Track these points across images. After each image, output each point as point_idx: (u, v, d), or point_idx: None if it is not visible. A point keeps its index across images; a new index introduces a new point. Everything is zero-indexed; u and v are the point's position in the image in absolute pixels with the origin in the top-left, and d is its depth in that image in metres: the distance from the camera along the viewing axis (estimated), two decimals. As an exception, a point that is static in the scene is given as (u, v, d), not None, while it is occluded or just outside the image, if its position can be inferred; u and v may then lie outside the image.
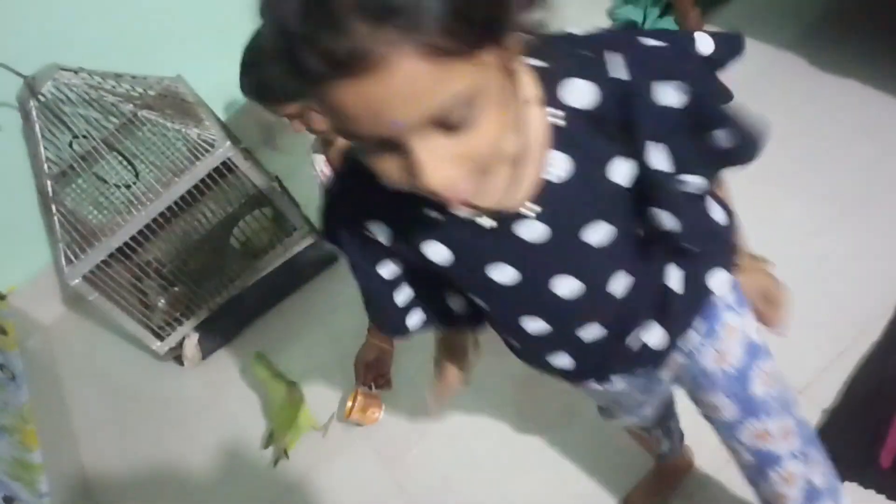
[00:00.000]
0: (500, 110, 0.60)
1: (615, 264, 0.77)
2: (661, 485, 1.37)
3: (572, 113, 0.69)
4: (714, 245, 0.83)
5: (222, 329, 2.19)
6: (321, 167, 1.81)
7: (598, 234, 0.74)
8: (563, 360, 0.86)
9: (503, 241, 0.74)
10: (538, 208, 0.72)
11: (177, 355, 2.18)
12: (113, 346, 2.35)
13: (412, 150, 0.58)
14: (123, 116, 2.03)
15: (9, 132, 2.30)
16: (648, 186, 0.71)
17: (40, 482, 1.92)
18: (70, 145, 2.01)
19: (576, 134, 0.69)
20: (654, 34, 0.70)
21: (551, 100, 0.68)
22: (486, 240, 0.74)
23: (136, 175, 2.07)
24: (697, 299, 0.85)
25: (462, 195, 0.61)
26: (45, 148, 2.01)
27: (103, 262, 1.94)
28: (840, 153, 1.69)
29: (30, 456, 1.98)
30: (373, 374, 1.76)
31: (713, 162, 0.74)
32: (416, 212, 0.73)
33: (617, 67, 0.67)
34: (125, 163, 2.07)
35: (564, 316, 0.80)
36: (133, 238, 1.94)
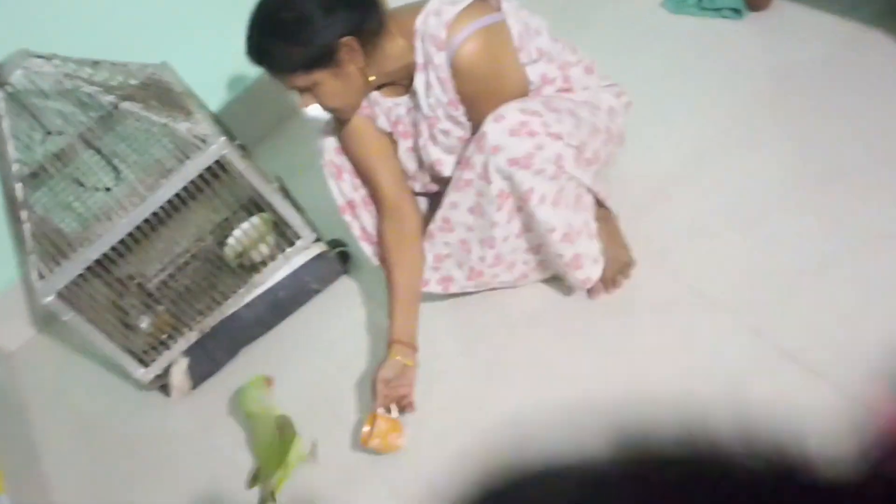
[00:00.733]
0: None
1: None
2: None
3: None
4: None
5: (215, 353, 2.22)
6: (331, 156, 1.90)
7: None
8: None
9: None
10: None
11: (163, 384, 2.21)
12: (89, 374, 2.39)
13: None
14: (102, 109, 2.07)
15: (-30, 128, 2.33)
16: None
17: (6, 530, 1.95)
18: (42, 143, 2.06)
19: None
20: None
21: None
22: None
23: (117, 176, 2.12)
24: None
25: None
26: (14, 146, 2.06)
27: (80, 276, 1.97)
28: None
29: (-6, 501, 2.02)
30: (394, 395, 1.79)
31: None
32: None
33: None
34: (104, 162, 2.12)
35: None
36: (113, 249, 1.96)
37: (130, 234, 1.98)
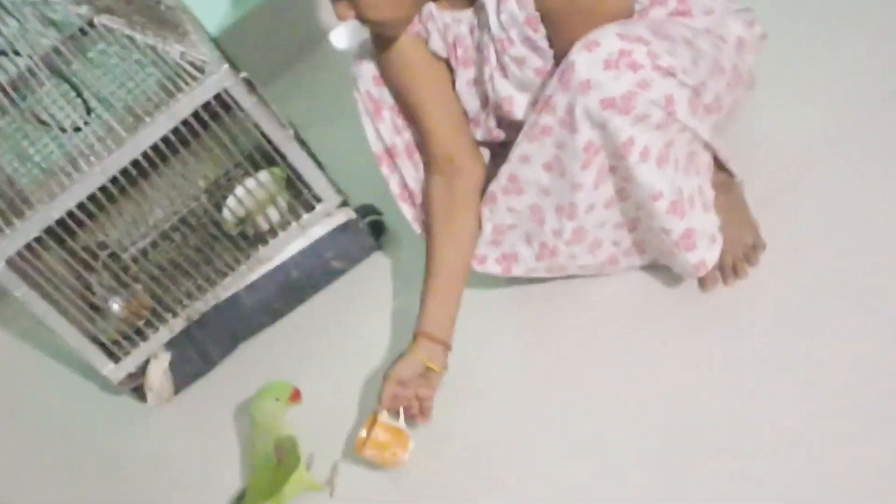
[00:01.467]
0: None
1: None
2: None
3: None
4: None
5: (206, 348, 2.20)
6: (367, 86, 1.87)
7: None
8: None
9: None
10: None
11: (137, 385, 2.17)
12: (44, 369, 2.39)
13: None
14: (72, 26, 2.04)
15: None
16: None
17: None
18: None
19: None
20: None
21: None
22: None
23: (89, 112, 2.07)
24: None
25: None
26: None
27: (36, 241, 1.94)
28: None
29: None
30: (406, 398, 1.77)
31: None
32: None
33: None
34: (72, 95, 2.07)
35: None
36: (80, 208, 1.93)
37: (103, 190, 1.94)
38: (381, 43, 1.84)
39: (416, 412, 1.80)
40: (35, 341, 2.44)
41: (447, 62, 1.83)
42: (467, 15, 1.76)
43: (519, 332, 1.98)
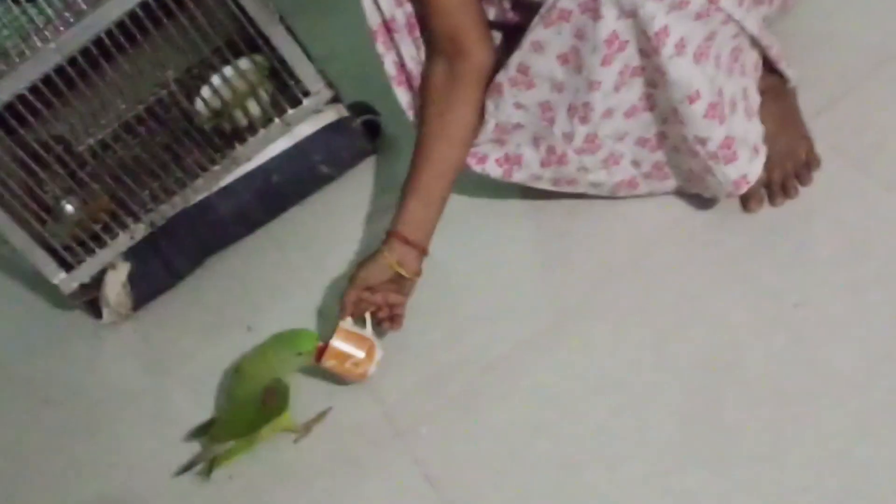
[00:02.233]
0: None
1: None
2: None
3: None
4: None
5: (171, 259, 2.22)
6: None
7: None
8: None
9: None
10: None
11: (92, 298, 2.21)
12: None
13: None
14: None
15: None
16: None
17: None
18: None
19: None
20: None
21: None
22: None
23: None
24: None
25: None
26: None
27: None
28: None
29: None
30: (373, 303, 1.82)
31: None
32: None
33: None
34: None
35: None
36: (34, 92, 1.94)
37: (60, 72, 1.96)
38: None
39: (385, 318, 1.85)
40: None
41: None
42: None
43: (535, 249, 2.00)
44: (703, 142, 1.66)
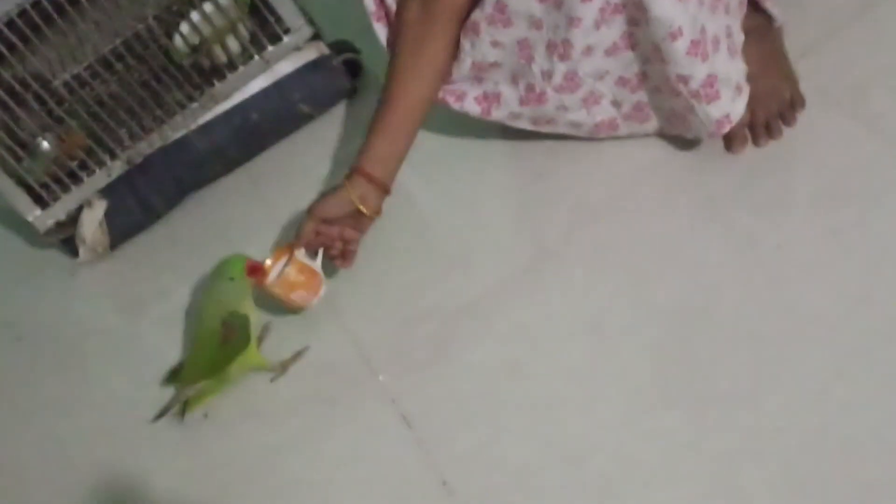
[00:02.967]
0: None
1: None
2: None
3: None
4: None
5: (148, 198, 2.20)
6: None
7: None
8: None
9: None
10: None
11: (67, 236, 2.19)
12: None
13: None
14: None
15: None
16: None
17: None
18: None
19: None
20: None
21: None
22: None
23: None
24: None
25: None
26: None
27: None
28: None
29: None
30: (329, 237, 1.83)
31: None
32: None
33: None
34: None
35: None
36: (10, 26, 1.93)
37: (36, 5, 1.94)
38: None
39: (338, 255, 1.86)
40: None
41: None
42: None
43: (514, 190, 2.00)
44: (685, 80, 1.65)
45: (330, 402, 1.77)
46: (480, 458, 1.59)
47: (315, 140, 2.24)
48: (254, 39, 2.16)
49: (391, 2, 1.86)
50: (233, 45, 2.17)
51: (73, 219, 2.17)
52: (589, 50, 1.69)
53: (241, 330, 1.83)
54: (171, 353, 1.98)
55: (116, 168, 2.16)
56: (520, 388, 1.65)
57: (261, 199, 2.19)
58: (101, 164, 2.15)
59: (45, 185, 2.13)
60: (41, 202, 2.13)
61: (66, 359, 2.11)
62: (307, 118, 2.25)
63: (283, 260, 1.81)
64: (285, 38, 2.14)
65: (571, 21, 1.64)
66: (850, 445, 1.39)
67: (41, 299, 2.24)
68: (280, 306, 1.86)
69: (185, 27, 2.17)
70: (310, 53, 2.17)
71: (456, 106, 1.87)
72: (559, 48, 1.70)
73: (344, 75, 2.23)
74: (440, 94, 1.85)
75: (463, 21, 1.79)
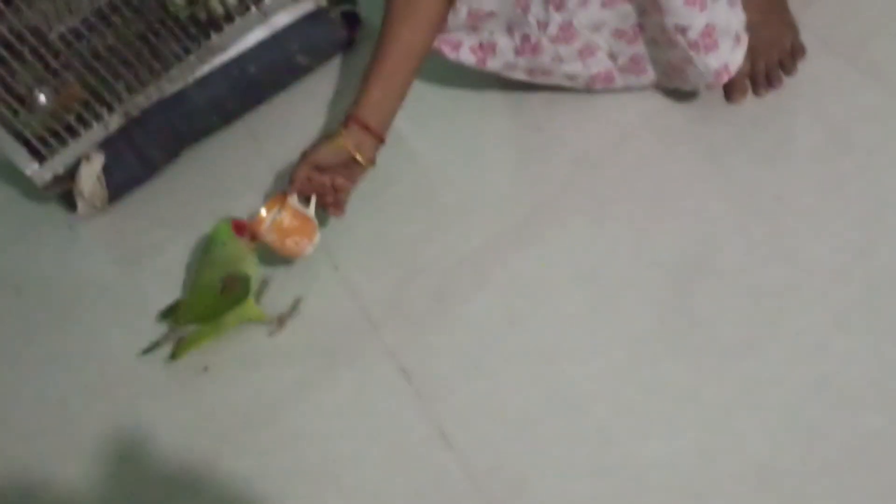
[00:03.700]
0: None
1: None
2: None
3: None
4: None
5: (146, 151, 2.19)
6: None
7: None
8: None
9: None
10: None
11: (66, 190, 2.19)
12: None
13: None
14: None
15: None
16: None
17: None
18: None
19: None
20: None
21: None
22: None
23: None
24: None
25: None
26: None
27: None
28: None
29: None
30: (321, 184, 1.82)
31: None
32: None
33: None
34: None
35: None
36: None
37: None
38: None
39: (330, 202, 1.85)
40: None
41: None
42: None
43: (512, 141, 1.99)
44: (682, 30, 1.64)
45: (329, 355, 1.77)
46: (479, 409, 1.59)
47: (313, 92, 2.23)
48: (251, -9, 2.16)
49: None
50: (230, -4, 2.17)
51: (72, 173, 2.16)
52: (585, 1, 1.68)
53: (242, 286, 1.83)
54: (168, 303, 1.97)
55: (114, 122, 2.15)
56: (519, 340, 1.65)
57: (259, 152, 2.18)
58: (98, 117, 2.14)
59: (42, 139, 2.12)
60: (39, 156, 2.12)
61: (65, 312, 2.10)
62: (305, 70, 2.24)
63: (276, 208, 1.81)
64: (282, -10, 2.14)
65: None
66: (849, 395, 1.39)
67: (39, 253, 2.23)
68: (277, 257, 1.86)
69: (181, -21, 2.18)
70: (307, 5, 2.17)
71: (451, 55, 1.86)
72: None
73: (342, 27, 2.22)
74: (436, 44, 1.83)
75: None
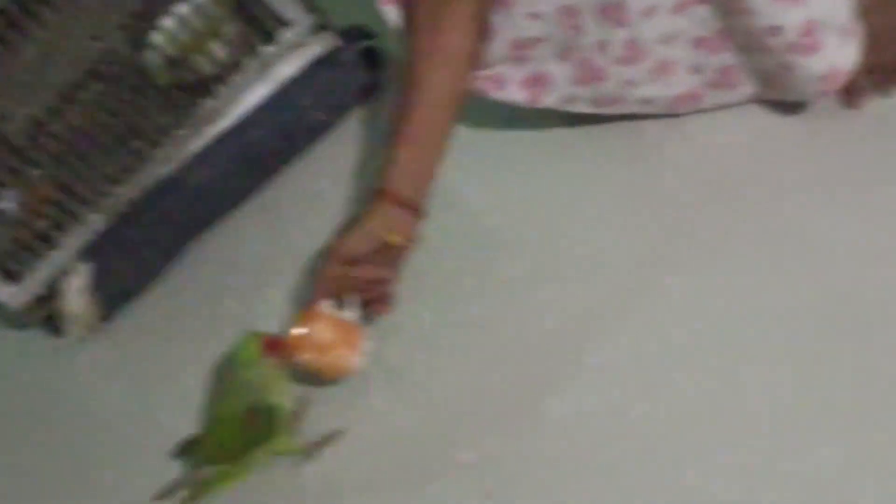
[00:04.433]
0: None
1: None
2: None
3: None
4: None
5: (140, 254, 2.21)
6: None
7: None
8: None
9: None
10: None
11: (50, 313, 2.19)
12: None
13: None
14: None
15: None
16: None
17: None
18: None
19: None
20: None
21: None
22: None
23: None
24: None
25: None
26: None
27: None
28: None
29: None
30: (357, 281, 1.81)
31: None
32: None
33: None
34: None
35: None
36: None
37: None
38: None
39: (374, 299, 1.84)
40: None
41: None
42: None
43: (590, 190, 1.97)
44: (775, 31, 1.65)
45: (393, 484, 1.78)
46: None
47: (336, 153, 2.25)
48: (243, 40, 2.14)
49: None
50: (218, 51, 2.14)
51: (53, 292, 2.16)
52: (650, 10, 1.70)
53: (266, 420, 1.83)
54: (186, 432, 1.99)
55: (97, 221, 2.14)
56: (624, 442, 1.63)
57: (279, 236, 2.20)
58: (77, 219, 2.13)
59: (12, 255, 2.12)
60: (11, 276, 2.13)
61: (64, 454, 2.13)
62: (323, 127, 2.26)
63: (307, 319, 1.80)
64: (284, 36, 2.13)
65: None
66: None
67: (30, 389, 2.27)
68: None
69: (157, 37, 2.16)
70: (315, 48, 2.16)
71: (497, 95, 1.85)
72: (612, 12, 1.70)
73: (362, 68, 2.23)
74: (476, 84, 1.82)
75: None
